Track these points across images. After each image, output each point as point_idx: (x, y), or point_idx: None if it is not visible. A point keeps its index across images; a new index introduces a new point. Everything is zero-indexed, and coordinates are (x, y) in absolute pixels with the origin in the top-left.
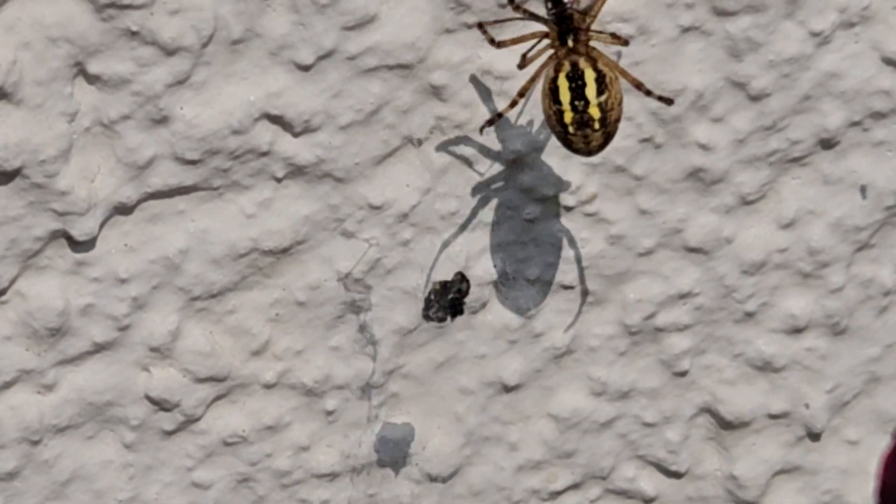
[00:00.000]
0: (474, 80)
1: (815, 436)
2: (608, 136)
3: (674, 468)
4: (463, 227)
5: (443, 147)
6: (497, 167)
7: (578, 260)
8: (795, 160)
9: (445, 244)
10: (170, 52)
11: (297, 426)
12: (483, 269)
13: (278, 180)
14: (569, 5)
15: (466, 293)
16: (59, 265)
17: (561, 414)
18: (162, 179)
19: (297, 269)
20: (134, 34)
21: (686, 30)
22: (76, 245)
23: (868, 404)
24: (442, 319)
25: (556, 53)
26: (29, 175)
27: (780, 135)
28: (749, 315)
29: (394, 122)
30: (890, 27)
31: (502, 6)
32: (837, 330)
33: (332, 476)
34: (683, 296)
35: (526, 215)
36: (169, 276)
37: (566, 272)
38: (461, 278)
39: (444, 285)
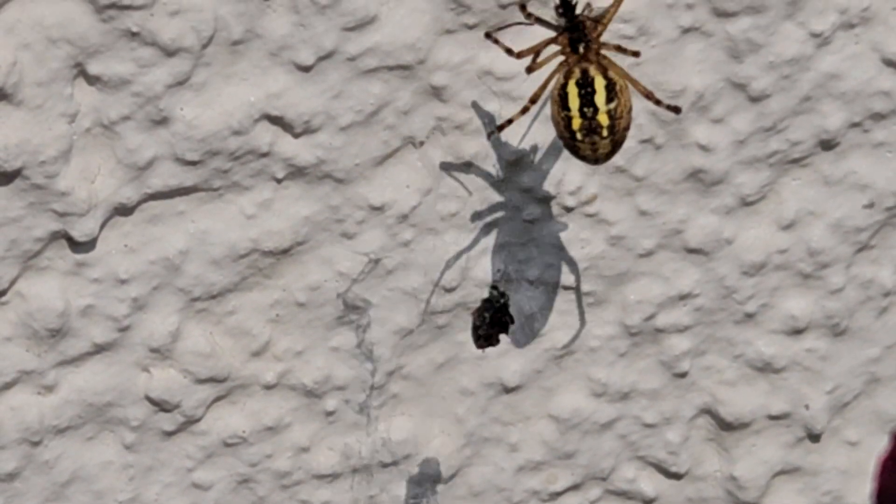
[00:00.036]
0: (475, 81)
1: (815, 437)
2: (616, 144)
3: (674, 469)
4: (463, 229)
5: (443, 148)
6: (497, 168)
7: (579, 261)
8: (795, 161)
9: (446, 245)
10: (170, 52)
11: (297, 427)
12: (483, 270)
13: (278, 181)
14: (580, 13)
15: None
16: (60, 266)
17: (561, 415)
18: (162, 180)
19: (298, 269)
20: (134, 35)
21: (686, 31)
22: (76, 246)
23: (868, 405)
24: (490, 337)
25: (566, 60)
26: (29, 176)
27: (781, 136)
28: (749, 316)
29: (394, 122)
30: (890, 28)
31: (503, 6)
32: (837, 331)
33: (333, 477)
34: (684, 297)
35: (526, 216)
36: (169, 276)
37: (566, 273)
38: (498, 293)
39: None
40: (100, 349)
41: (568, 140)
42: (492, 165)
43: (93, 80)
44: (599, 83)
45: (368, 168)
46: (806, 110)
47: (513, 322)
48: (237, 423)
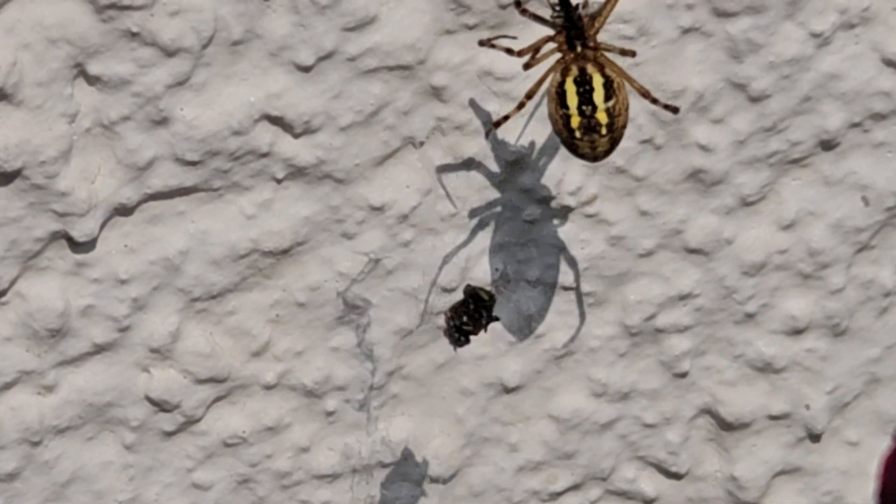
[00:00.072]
0: (475, 81)
1: (815, 437)
2: (614, 142)
3: (674, 469)
4: (463, 229)
5: (443, 148)
6: (497, 168)
7: (579, 261)
8: (795, 161)
9: (446, 246)
10: (170, 53)
11: (297, 427)
12: (483, 271)
13: (278, 181)
14: (578, 10)
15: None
16: (60, 266)
17: (561, 415)
18: (162, 180)
19: (298, 270)
20: (134, 35)
21: (686, 31)
22: (76, 246)
23: (868, 405)
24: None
25: (563, 57)
26: (29, 176)
27: (781, 136)
28: (749, 316)
29: (394, 123)
30: (890, 28)
31: (503, 7)
32: (838, 331)
33: (333, 477)
34: (684, 297)
35: (526, 216)
36: (169, 277)
37: (566, 273)
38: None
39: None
40: (100, 349)
41: (566, 138)
42: (491, 165)
43: (93, 80)
44: (597, 81)
45: (368, 168)
46: (806, 110)
47: (496, 320)
48: (237, 424)
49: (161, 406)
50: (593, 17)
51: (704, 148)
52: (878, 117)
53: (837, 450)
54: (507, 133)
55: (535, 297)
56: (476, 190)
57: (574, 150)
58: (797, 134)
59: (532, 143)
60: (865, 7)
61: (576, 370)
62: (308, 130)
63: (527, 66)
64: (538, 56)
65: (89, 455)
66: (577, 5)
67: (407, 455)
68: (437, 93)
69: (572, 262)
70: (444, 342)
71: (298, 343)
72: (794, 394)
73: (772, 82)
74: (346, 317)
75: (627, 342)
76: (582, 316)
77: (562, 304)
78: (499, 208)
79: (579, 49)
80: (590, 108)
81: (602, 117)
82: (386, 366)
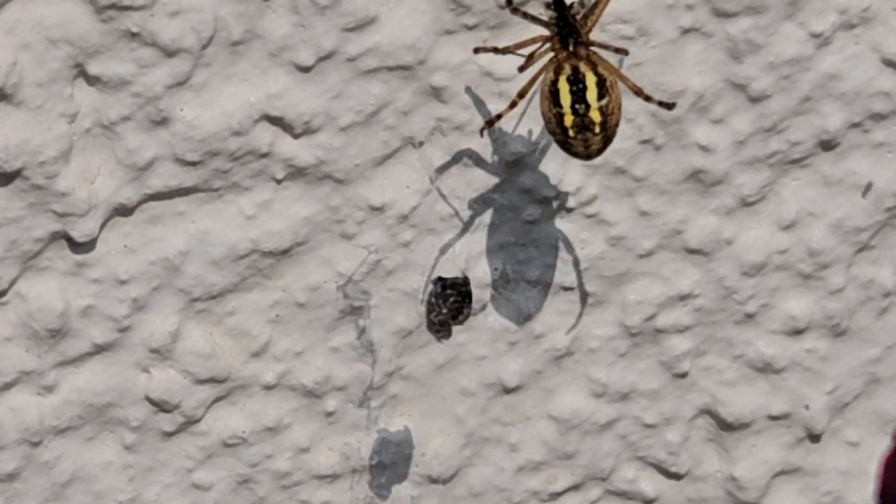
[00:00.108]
0: (474, 81)
1: (815, 437)
2: (607, 140)
3: (674, 469)
4: (463, 229)
5: (443, 148)
6: (497, 169)
7: (578, 261)
8: (795, 162)
9: (446, 246)
10: (170, 53)
11: (297, 427)
12: (483, 271)
13: (278, 182)
14: (571, 9)
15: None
16: (60, 266)
17: (561, 415)
18: (162, 181)
19: (297, 270)
20: (134, 35)
21: (686, 31)
22: (76, 246)
23: (868, 406)
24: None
25: (556, 56)
26: (29, 176)
27: (781, 136)
28: (749, 316)
29: (394, 123)
30: (890, 29)
31: (502, 7)
32: (838, 331)
33: (333, 477)
34: (684, 297)
35: (526, 217)
36: (169, 277)
37: (566, 273)
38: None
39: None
40: (100, 350)
41: (559, 136)
42: (491, 165)
43: (93, 80)
44: (590, 80)
45: (368, 168)
46: (806, 111)
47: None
48: (237, 424)
49: (161, 406)
50: (586, 15)
51: (704, 148)
52: (878, 117)
53: (837, 450)
54: (506, 133)
55: (535, 297)
56: (476, 190)
57: (567, 148)
58: (797, 134)
59: (532, 144)
60: (865, 7)
61: (576, 370)
62: (308, 131)
63: (522, 69)
64: (533, 55)
65: (89, 455)
66: (572, 4)
67: (407, 455)
68: (436, 93)
69: (572, 263)
70: (445, 343)
71: (298, 343)
72: (793, 394)
73: (772, 82)
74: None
75: (627, 342)
76: (582, 316)
77: (562, 304)
78: (499, 208)
79: (572, 48)
80: (583, 106)
81: (595, 116)
82: (386, 366)
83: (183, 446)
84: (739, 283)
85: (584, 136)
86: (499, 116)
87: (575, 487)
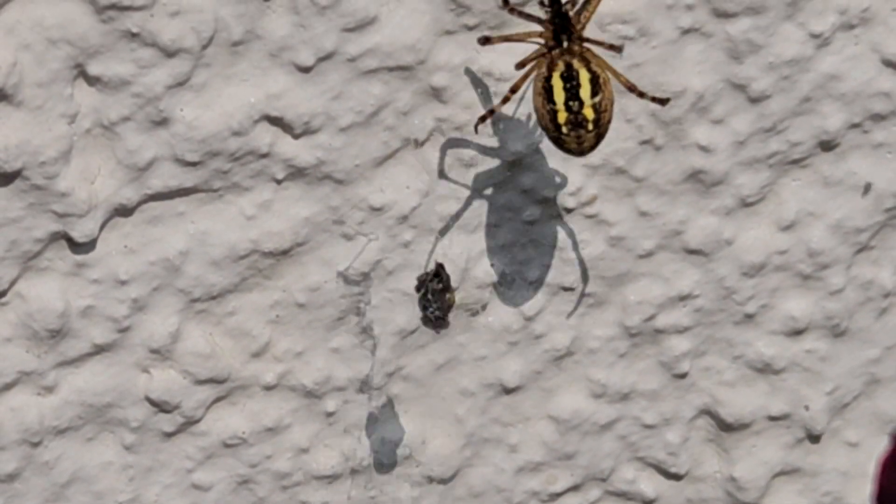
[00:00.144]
0: (474, 81)
1: (814, 437)
2: (600, 137)
3: (674, 470)
4: (463, 229)
5: (443, 149)
6: (497, 169)
7: (578, 262)
8: (795, 162)
9: (446, 246)
10: (170, 53)
11: (297, 428)
12: (483, 271)
13: (278, 182)
14: (565, 5)
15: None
16: (60, 267)
17: (561, 415)
18: (162, 181)
19: (298, 270)
20: (134, 36)
21: (686, 31)
22: (76, 247)
23: (868, 406)
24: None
25: (549, 52)
26: (29, 177)
27: (780, 137)
28: (749, 317)
29: (394, 123)
30: (890, 29)
31: (501, 7)
32: (837, 332)
33: (333, 478)
34: (683, 297)
35: (526, 217)
36: (169, 277)
37: (566, 274)
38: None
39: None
40: (100, 350)
41: (552, 133)
42: (491, 166)
43: (93, 80)
44: (584, 76)
45: (368, 169)
46: (806, 111)
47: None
48: (237, 424)
49: (161, 407)
50: (580, 12)
51: (704, 149)
52: (878, 118)
53: (837, 450)
54: (506, 133)
55: (535, 298)
56: (476, 190)
57: (560, 144)
58: (797, 134)
59: (532, 144)
60: (865, 8)
61: (575, 371)
62: (308, 131)
63: (519, 66)
64: (526, 56)
65: (89, 456)
66: (566, 1)
67: (407, 455)
68: (436, 93)
69: (572, 263)
70: (444, 343)
71: (298, 344)
72: (793, 394)
73: (772, 83)
74: (346, 317)
75: (627, 343)
76: (582, 316)
77: (561, 304)
78: (499, 208)
79: (566, 44)
80: (577, 103)
81: (589, 113)
82: (386, 366)
83: (183, 447)
84: (739, 283)
85: (578, 133)
86: (491, 112)
87: (575, 488)
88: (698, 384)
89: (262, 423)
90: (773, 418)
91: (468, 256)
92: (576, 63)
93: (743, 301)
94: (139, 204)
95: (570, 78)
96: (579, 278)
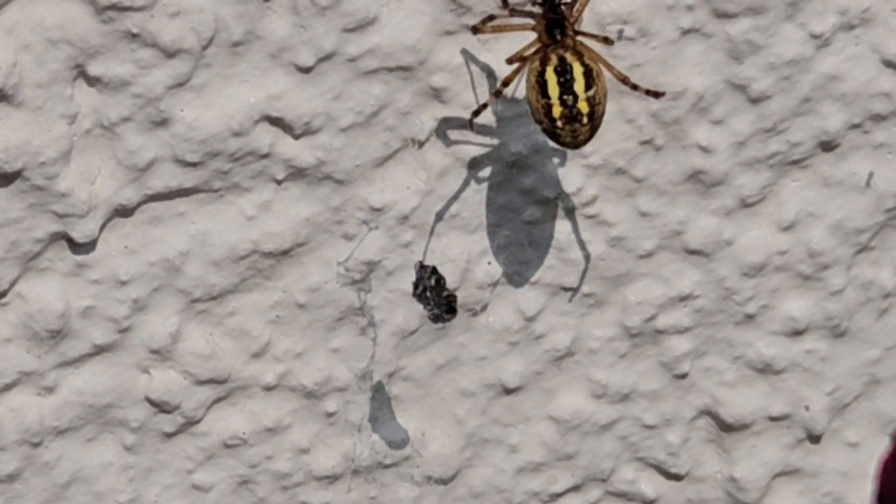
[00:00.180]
0: (474, 81)
1: (815, 438)
2: (594, 129)
3: (674, 470)
4: (463, 229)
5: (443, 149)
6: (497, 169)
7: (579, 262)
8: (795, 162)
9: (446, 246)
10: (170, 54)
11: (297, 428)
12: (483, 271)
13: (279, 182)
14: None
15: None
16: (60, 267)
17: (561, 416)
18: (162, 181)
19: (298, 271)
20: (134, 36)
21: (686, 32)
22: (76, 247)
23: (868, 406)
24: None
25: (542, 46)
26: (29, 177)
27: (781, 137)
28: (749, 317)
29: (394, 123)
30: (890, 29)
31: (500, 7)
32: (838, 332)
33: (333, 478)
34: (684, 298)
35: (526, 217)
36: (169, 278)
37: (566, 274)
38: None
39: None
40: (100, 350)
41: (547, 126)
42: (491, 166)
43: (93, 81)
44: (577, 70)
45: (368, 169)
46: (806, 111)
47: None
48: (237, 425)
49: (161, 407)
50: (572, 5)
51: (704, 149)
52: (878, 118)
53: (837, 451)
54: (506, 133)
55: (535, 298)
56: (476, 190)
57: (555, 138)
58: (797, 135)
59: (532, 144)
60: (865, 8)
61: (576, 371)
62: (308, 131)
63: (510, 61)
64: (518, 49)
65: (89, 456)
66: None
67: (407, 456)
68: (437, 94)
69: (572, 263)
70: (445, 343)
71: (298, 344)
72: (793, 395)
73: (772, 83)
74: (346, 318)
75: (627, 343)
76: (582, 317)
77: (562, 304)
78: (499, 208)
79: (559, 38)
80: (571, 97)
81: (583, 107)
82: (386, 367)
83: (183, 447)
84: (739, 283)
85: (573, 127)
86: (484, 106)
87: (575, 488)
88: (699, 385)
89: (262, 423)
90: (773, 419)
91: (468, 256)
92: (569, 57)
93: (743, 301)
94: (139, 204)
95: (563, 72)
96: (579, 278)
